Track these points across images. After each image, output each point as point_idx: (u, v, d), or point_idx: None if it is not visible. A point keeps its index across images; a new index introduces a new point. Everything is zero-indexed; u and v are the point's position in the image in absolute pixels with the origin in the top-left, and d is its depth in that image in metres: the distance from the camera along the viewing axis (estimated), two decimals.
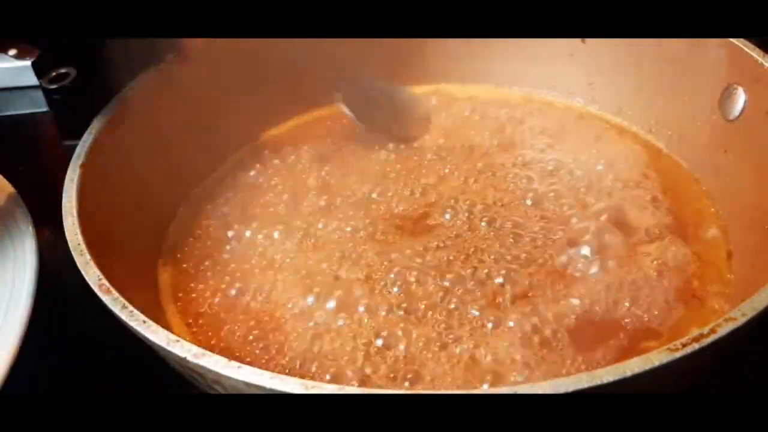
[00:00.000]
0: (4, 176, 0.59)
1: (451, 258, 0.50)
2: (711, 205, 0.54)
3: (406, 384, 0.43)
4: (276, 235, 0.54)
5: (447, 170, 0.59)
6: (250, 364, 0.34)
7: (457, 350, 0.44)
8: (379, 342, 0.45)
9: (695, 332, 0.33)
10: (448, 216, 0.54)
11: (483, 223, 0.53)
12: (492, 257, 0.50)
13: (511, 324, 0.45)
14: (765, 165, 0.49)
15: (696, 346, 0.33)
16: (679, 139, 0.59)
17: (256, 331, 0.47)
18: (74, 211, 0.44)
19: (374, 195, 0.57)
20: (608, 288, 0.48)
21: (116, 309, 0.38)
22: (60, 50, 0.80)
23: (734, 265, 0.50)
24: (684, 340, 0.33)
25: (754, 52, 0.51)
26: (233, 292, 0.50)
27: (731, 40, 0.52)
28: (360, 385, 0.43)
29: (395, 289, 0.48)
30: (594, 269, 0.49)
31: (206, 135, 0.60)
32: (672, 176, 0.57)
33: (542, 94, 0.67)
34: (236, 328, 0.48)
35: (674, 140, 0.59)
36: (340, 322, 0.47)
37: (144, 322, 0.37)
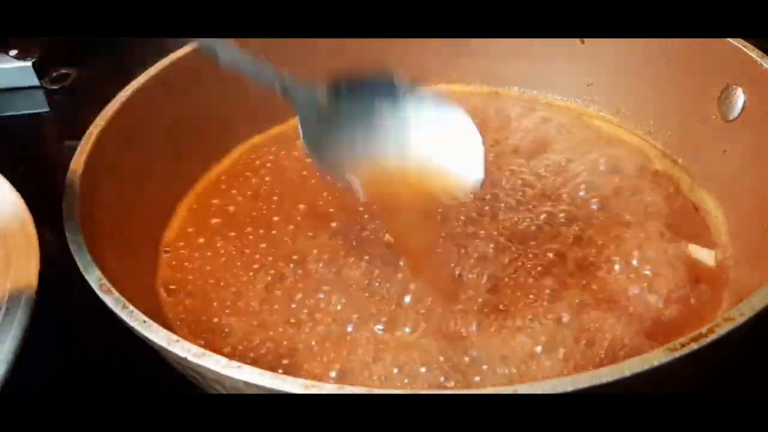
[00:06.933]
0: (5, 176, 0.59)
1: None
2: (710, 206, 0.54)
3: None
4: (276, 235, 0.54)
5: None
6: (253, 363, 0.34)
7: None
8: None
9: (694, 332, 0.34)
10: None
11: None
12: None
13: None
14: (764, 165, 0.50)
15: (695, 346, 0.33)
16: (678, 140, 0.59)
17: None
18: (75, 212, 0.44)
19: None
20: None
21: (117, 309, 0.38)
22: (60, 50, 0.80)
23: (733, 265, 0.50)
24: (683, 339, 0.33)
25: (754, 53, 0.51)
26: (234, 291, 0.50)
27: (730, 40, 0.52)
28: None
29: None
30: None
31: (205, 134, 0.60)
32: (670, 177, 0.57)
33: (541, 94, 0.67)
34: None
35: (673, 141, 0.59)
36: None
37: (144, 322, 0.37)
